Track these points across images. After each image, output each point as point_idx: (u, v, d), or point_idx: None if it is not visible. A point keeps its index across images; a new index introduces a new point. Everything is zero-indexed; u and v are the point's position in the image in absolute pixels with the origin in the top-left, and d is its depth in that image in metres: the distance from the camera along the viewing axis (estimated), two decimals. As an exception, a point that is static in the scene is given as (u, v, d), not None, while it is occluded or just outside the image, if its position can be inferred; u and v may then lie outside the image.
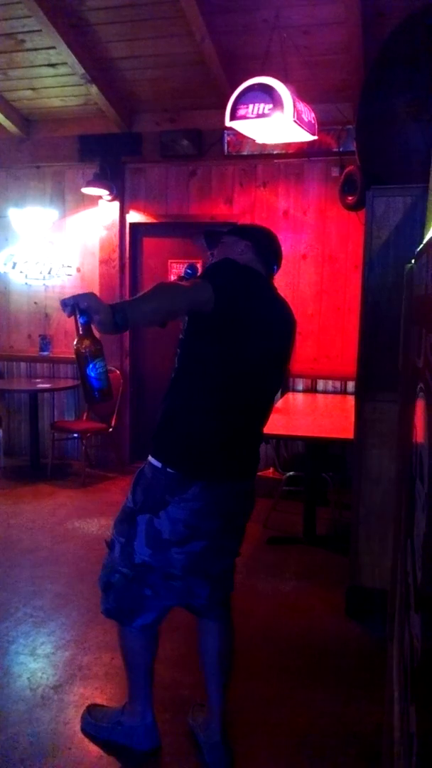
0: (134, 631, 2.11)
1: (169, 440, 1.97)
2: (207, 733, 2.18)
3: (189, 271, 2.20)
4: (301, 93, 3.83)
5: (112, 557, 2.10)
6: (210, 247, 2.18)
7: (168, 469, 1.93)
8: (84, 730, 2.28)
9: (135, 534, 2.00)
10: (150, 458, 1.99)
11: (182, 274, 2.23)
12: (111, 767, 2.14)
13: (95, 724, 2.27)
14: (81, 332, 1.67)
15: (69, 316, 1.66)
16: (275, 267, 2.15)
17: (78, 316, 1.64)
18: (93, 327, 1.67)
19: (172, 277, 5.40)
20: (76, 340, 1.68)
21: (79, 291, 5.99)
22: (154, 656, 2.19)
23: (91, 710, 2.34)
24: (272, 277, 2.15)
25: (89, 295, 1.65)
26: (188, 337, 1.95)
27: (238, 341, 1.92)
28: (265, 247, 2.13)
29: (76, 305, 1.63)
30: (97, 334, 1.68)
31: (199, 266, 2.24)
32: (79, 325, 1.65)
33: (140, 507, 1.99)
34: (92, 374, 1.67)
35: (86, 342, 1.66)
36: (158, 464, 1.95)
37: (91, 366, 1.67)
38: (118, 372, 5.47)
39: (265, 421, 2.13)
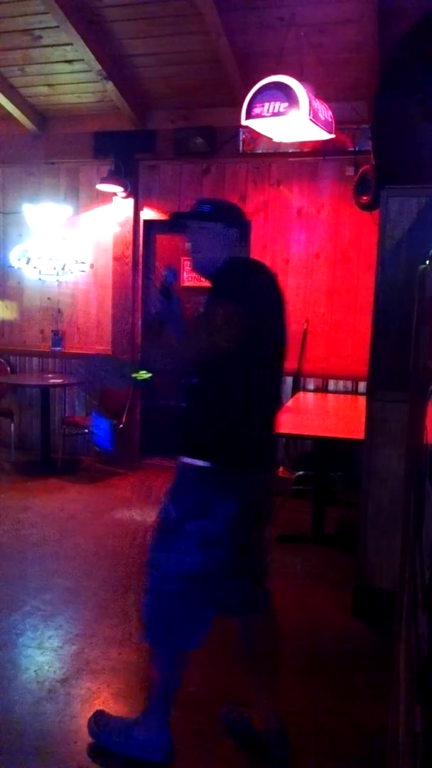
0: (178, 653, 2.06)
1: (212, 439, 1.96)
2: (267, 724, 2.15)
3: (170, 278, 2.10)
4: (316, 91, 3.82)
5: (157, 577, 2.03)
6: (182, 230, 2.12)
7: (216, 467, 1.92)
8: (94, 743, 2.20)
9: (184, 544, 1.95)
10: (191, 460, 1.97)
11: (163, 281, 2.12)
12: (115, 761, 2.15)
13: (106, 736, 2.18)
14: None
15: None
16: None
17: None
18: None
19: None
20: None
21: (92, 287, 5.88)
22: (182, 675, 2.15)
23: (98, 719, 2.23)
24: None
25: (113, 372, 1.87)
26: None
27: (262, 340, 1.96)
28: (244, 227, 2.17)
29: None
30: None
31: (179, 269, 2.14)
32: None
33: (187, 514, 1.96)
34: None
35: None
36: (206, 464, 1.94)
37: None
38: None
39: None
